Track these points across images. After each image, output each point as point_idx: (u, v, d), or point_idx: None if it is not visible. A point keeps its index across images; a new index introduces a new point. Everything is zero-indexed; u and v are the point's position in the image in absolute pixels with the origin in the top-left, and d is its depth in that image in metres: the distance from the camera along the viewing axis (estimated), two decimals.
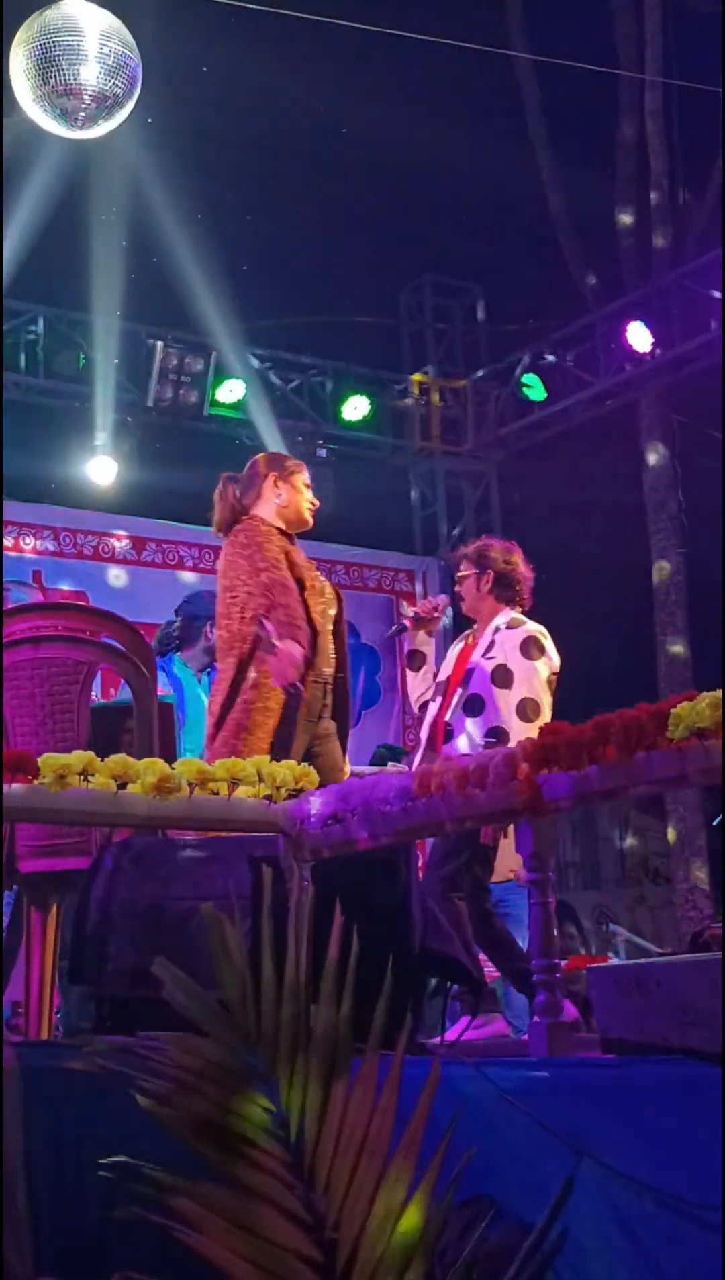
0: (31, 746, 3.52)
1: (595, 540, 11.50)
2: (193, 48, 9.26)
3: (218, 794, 3.16)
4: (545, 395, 11.34)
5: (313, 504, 4.97)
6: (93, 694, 4.00)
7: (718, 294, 9.96)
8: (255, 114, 10.00)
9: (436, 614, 5.41)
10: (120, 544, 10.17)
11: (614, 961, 6.63)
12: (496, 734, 4.72)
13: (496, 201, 11.37)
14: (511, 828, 2.81)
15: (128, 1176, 2.09)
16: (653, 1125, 2.26)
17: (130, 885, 3.15)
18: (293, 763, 3.32)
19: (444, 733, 4.91)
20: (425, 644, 5.37)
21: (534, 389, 11.38)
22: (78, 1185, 2.41)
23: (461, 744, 4.77)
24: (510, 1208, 2.33)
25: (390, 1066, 2.18)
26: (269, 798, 3.19)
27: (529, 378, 11.37)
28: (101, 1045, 2.14)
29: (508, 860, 7.42)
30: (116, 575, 10.09)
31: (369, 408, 11.43)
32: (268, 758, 3.36)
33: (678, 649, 10.98)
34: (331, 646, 4.78)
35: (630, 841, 12.99)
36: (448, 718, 4.91)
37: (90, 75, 5.76)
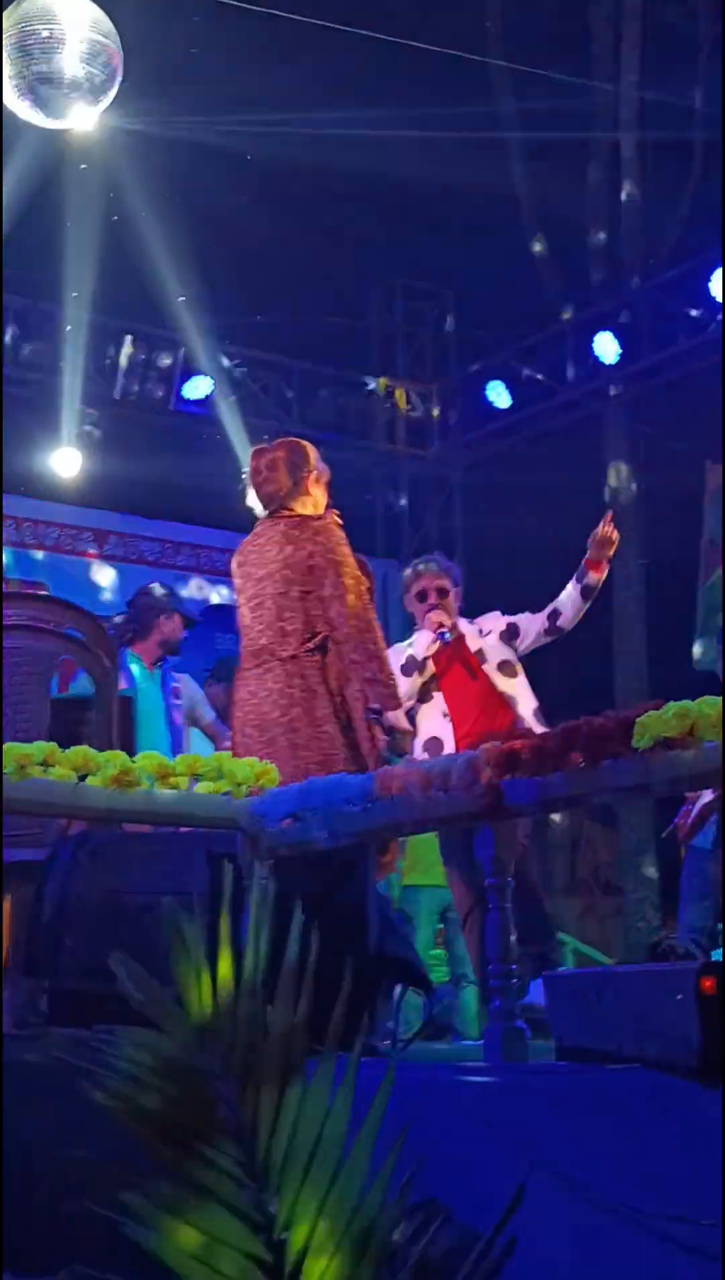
0: None
1: (557, 547, 11.52)
2: (172, 47, 9.23)
3: (177, 789, 3.14)
4: (512, 402, 11.38)
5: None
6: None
7: (692, 310, 10.02)
8: (232, 114, 9.98)
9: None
10: (81, 536, 10.13)
11: (564, 970, 6.65)
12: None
13: (470, 209, 11.39)
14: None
15: (79, 1171, 2.07)
16: (607, 1134, 2.26)
17: (87, 878, 3.13)
18: (254, 760, 3.30)
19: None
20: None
21: (500, 396, 11.41)
22: (26, 1179, 2.39)
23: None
24: (461, 1213, 2.32)
25: (345, 1068, 2.17)
26: (229, 794, 3.18)
27: (495, 384, 11.40)
28: (56, 1038, 2.12)
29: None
30: (77, 567, 10.05)
31: (335, 410, 11.44)
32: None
33: (635, 658, 11.03)
34: None
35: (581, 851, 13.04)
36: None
37: (68, 64, 5.73)
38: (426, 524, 12.06)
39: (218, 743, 6.54)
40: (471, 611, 5.74)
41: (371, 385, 11.85)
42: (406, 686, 5.22)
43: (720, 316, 9.90)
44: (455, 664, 5.50)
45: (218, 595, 10.42)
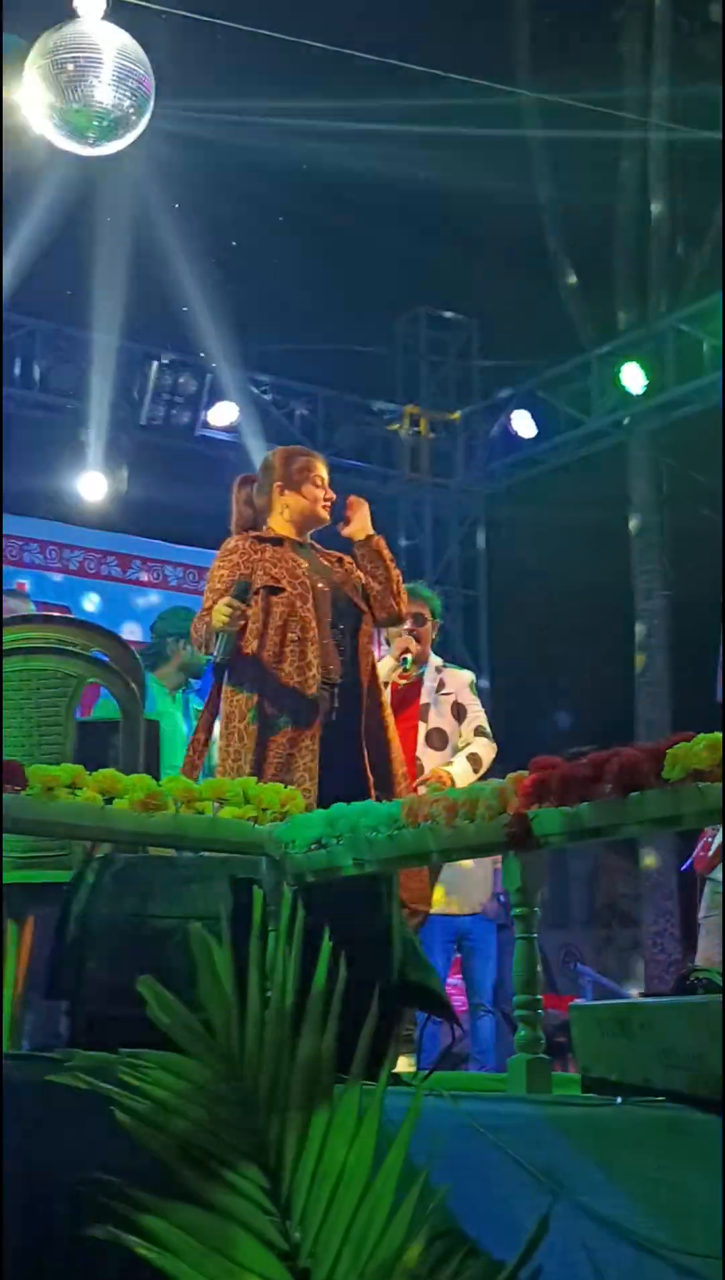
0: (17, 758, 3.49)
1: (580, 578, 11.54)
2: (199, 73, 9.30)
3: (203, 813, 3.14)
4: (536, 432, 11.39)
5: (326, 500, 4.71)
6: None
7: (716, 340, 10.02)
8: (258, 141, 10.04)
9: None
10: (106, 560, 10.17)
11: (591, 1001, 6.63)
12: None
13: (495, 237, 11.44)
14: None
15: (101, 1194, 2.06)
16: (632, 1167, 2.25)
17: (111, 901, 3.12)
18: (279, 785, 3.30)
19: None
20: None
21: (525, 425, 11.43)
22: (48, 1202, 2.39)
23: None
24: (484, 1244, 2.31)
25: (372, 1096, 2.16)
26: (255, 819, 3.18)
27: (520, 414, 11.42)
28: (82, 1060, 2.12)
29: (476, 893, 7.43)
30: (102, 590, 10.09)
31: (359, 437, 11.47)
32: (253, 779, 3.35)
33: (659, 688, 11.00)
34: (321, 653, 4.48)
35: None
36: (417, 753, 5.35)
37: (104, 93, 5.78)
38: (449, 553, 12.07)
39: None
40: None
41: (397, 418, 11.86)
42: None
43: None
44: (410, 702, 5.45)
45: None
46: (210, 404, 10.70)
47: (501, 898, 7.48)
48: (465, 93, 9.10)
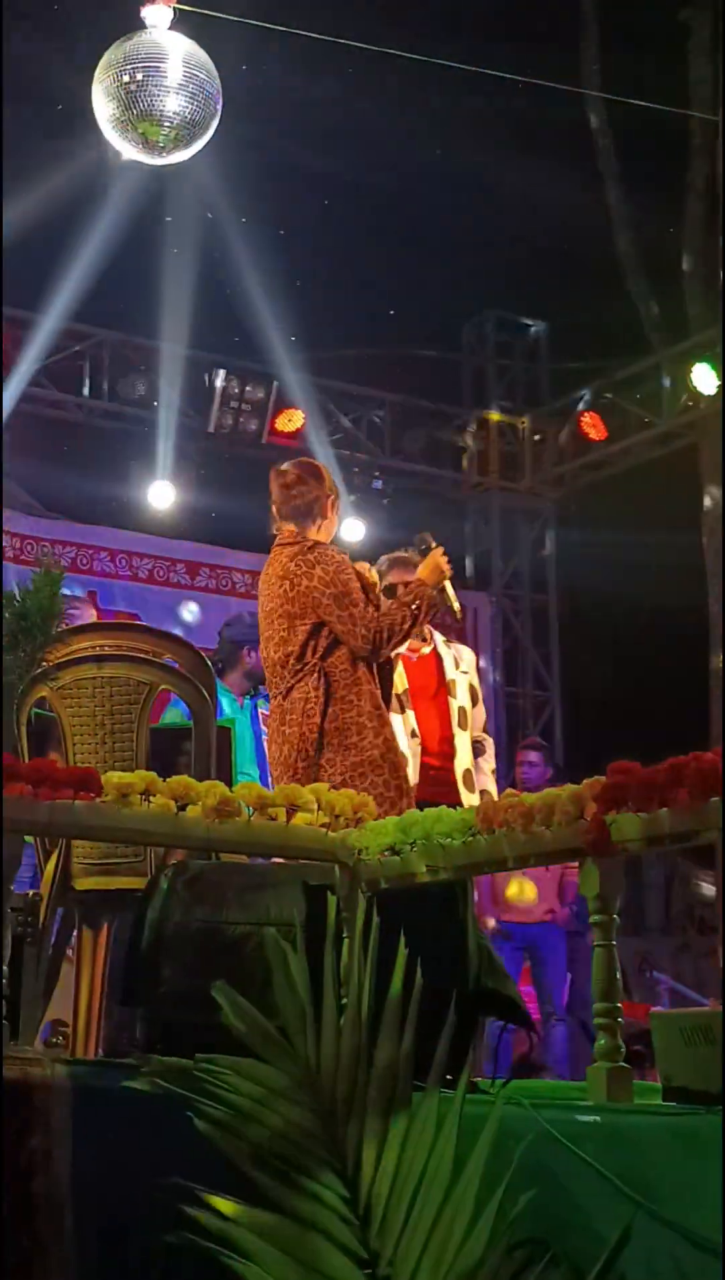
0: (90, 764, 3.51)
1: (652, 581, 11.44)
2: (265, 81, 9.33)
3: (276, 819, 3.14)
4: (606, 435, 11.31)
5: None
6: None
7: None
8: (324, 148, 10.06)
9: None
10: (175, 568, 10.22)
11: (672, 1010, 6.56)
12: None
13: (563, 239, 11.38)
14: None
15: (180, 1201, 2.06)
16: (713, 1176, 2.22)
17: (185, 908, 3.12)
18: (352, 791, 3.29)
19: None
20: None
21: (594, 428, 11.35)
22: (122, 1208, 2.39)
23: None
24: (565, 1254, 2.28)
25: (449, 1104, 2.15)
26: (328, 825, 3.17)
27: (589, 416, 11.34)
28: (159, 1066, 2.12)
29: (544, 901, 7.39)
30: (171, 598, 10.14)
31: (427, 442, 11.45)
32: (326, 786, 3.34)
33: None
34: None
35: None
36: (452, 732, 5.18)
37: (173, 103, 5.80)
38: (518, 558, 12.02)
39: None
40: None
41: (465, 423, 11.83)
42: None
43: None
44: (432, 681, 5.22)
45: None
46: (277, 411, 10.72)
47: (573, 905, 7.43)
48: (533, 96, 9.06)
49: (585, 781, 2.64)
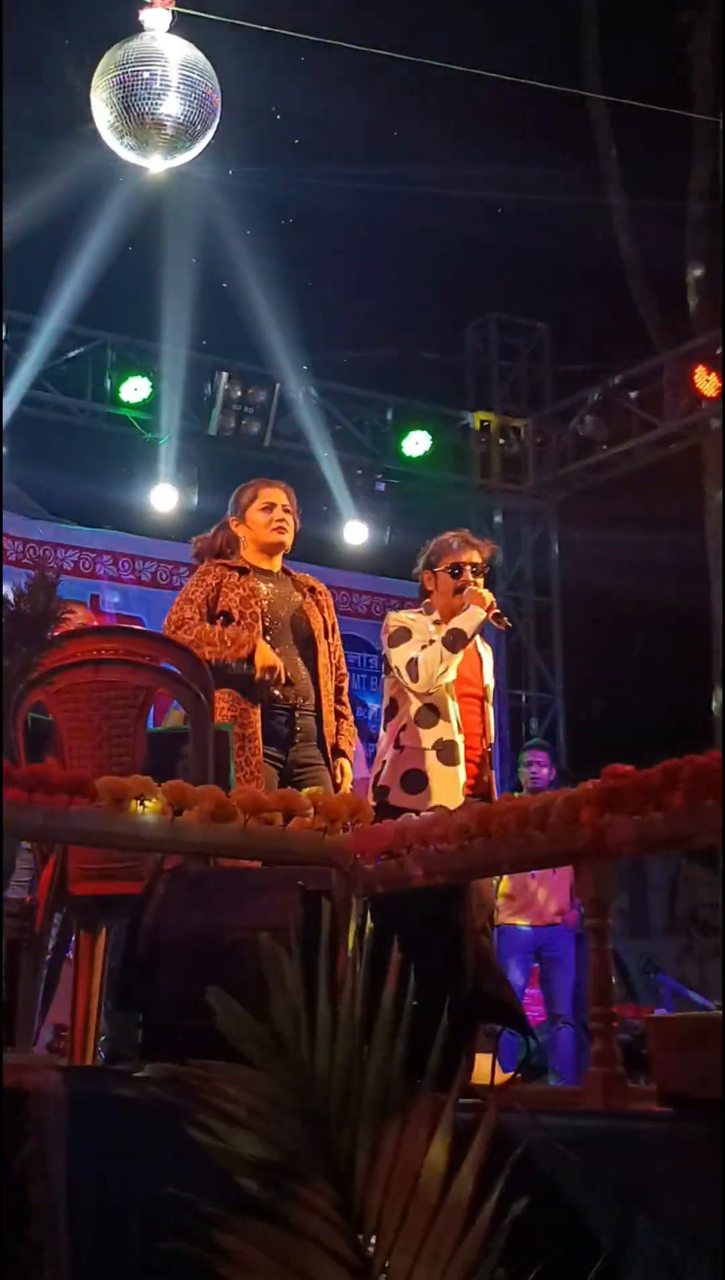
0: (87, 769, 3.51)
1: (655, 583, 11.43)
2: (266, 83, 9.33)
3: (272, 824, 3.13)
4: (608, 437, 11.30)
5: (278, 523, 4.98)
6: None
7: None
8: (326, 149, 10.06)
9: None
10: (178, 571, 10.21)
11: (662, 1013, 6.55)
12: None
13: (565, 240, 11.37)
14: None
15: (174, 1209, 2.05)
16: (710, 1181, 2.21)
17: (181, 913, 3.11)
18: (350, 795, 3.29)
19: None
20: None
21: (597, 430, 11.34)
22: (118, 1215, 2.38)
23: None
24: (561, 1260, 2.27)
25: (444, 1109, 2.13)
26: (324, 830, 3.16)
27: (592, 418, 11.33)
28: (151, 1073, 2.11)
29: (551, 903, 7.38)
30: (174, 602, 10.13)
31: (430, 444, 11.44)
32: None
33: None
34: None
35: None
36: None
37: (172, 106, 5.80)
38: (521, 559, 12.00)
39: None
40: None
41: (468, 425, 11.82)
42: (450, 662, 4.73)
43: None
44: (473, 674, 4.95)
45: None
46: (280, 414, 10.71)
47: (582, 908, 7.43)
48: (536, 97, 9.05)
49: (581, 785, 2.64)
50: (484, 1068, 3.40)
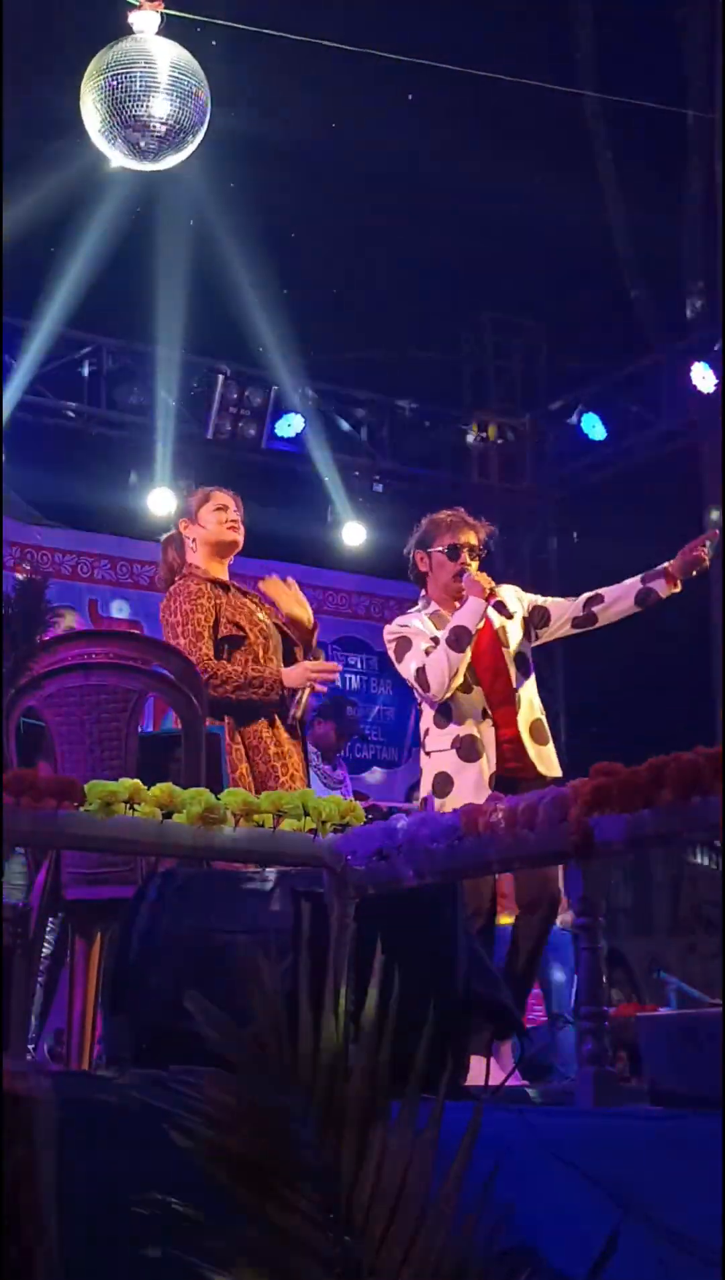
0: (80, 773, 3.49)
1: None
2: (257, 84, 9.32)
3: (263, 826, 3.12)
4: (606, 435, 11.29)
5: (232, 523, 4.95)
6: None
7: None
8: (319, 151, 10.05)
9: None
10: None
11: (664, 1011, 6.53)
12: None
13: (560, 239, 11.36)
14: None
15: (160, 1213, 2.04)
16: (702, 1181, 2.19)
17: (173, 916, 3.11)
18: (339, 797, 3.28)
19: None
20: None
21: (595, 428, 11.33)
22: (109, 1220, 2.37)
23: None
24: (552, 1261, 2.26)
25: (430, 1110, 2.12)
26: (315, 831, 3.15)
27: (589, 417, 11.32)
28: (134, 1078, 2.10)
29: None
30: None
31: (426, 444, 11.44)
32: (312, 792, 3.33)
33: None
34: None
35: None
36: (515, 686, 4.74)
37: (161, 108, 5.80)
38: (520, 558, 11.99)
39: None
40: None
41: (465, 424, 11.82)
42: (457, 663, 4.51)
43: None
44: (492, 647, 4.66)
45: None
46: (277, 416, 10.70)
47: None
48: (531, 95, 9.05)
49: (570, 783, 2.63)
50: (479, 1070, 3.39)
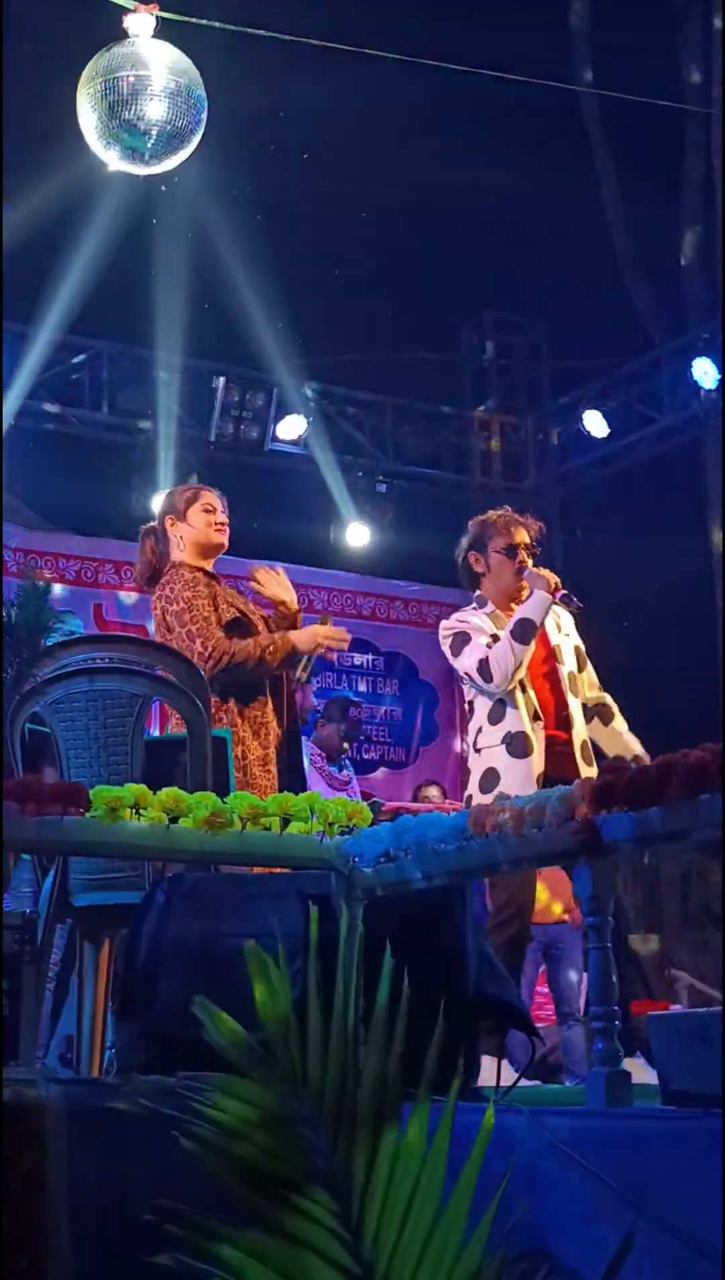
0: (85, 779, 3.49)
1: (659, 578, 11.39)
2: (255, 86, 9.31)
3: (270, 829, 3.11)
4: (608, 432, 11.27)
5: (220, 525, 4.91)
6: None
7: None
8: (318, 150, 10.04)
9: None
10: None
11: (676, 1009, 6.51)
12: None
13: (560, 237, 11.35)
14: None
15: (172, 1221, 2.03)
16: (714, 1181, 2.18)
17: (181, 921, 3.10)
18: (346, 799, 3.26)
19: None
20: None
21: (597, 425, 11.31)
22: (121, 1228, 2.36)
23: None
24: (566, 1263, 2.25)
25: (442, 1113, 2.11)
26: (322, 834, 3.13)
27: (592, 414, 11.31)
28: (144, 1085, 2.08)
29: (557, 901, 7.33)
30: None
31: (428, 444, 11.42)
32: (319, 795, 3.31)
33: None
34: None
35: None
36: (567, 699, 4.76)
37: (157, 111, 5.78)
38: None
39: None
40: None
41: (467, 424, 11.80)
42: (522, 654, 4.53)
43: None
44: (539, 650, 4.70)
45: None
46: (279, 418, 10.69)
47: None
48: (530, 93, 9.03)
49: (576, 782, 2.61)
50: (490, 1071, 3.38)
